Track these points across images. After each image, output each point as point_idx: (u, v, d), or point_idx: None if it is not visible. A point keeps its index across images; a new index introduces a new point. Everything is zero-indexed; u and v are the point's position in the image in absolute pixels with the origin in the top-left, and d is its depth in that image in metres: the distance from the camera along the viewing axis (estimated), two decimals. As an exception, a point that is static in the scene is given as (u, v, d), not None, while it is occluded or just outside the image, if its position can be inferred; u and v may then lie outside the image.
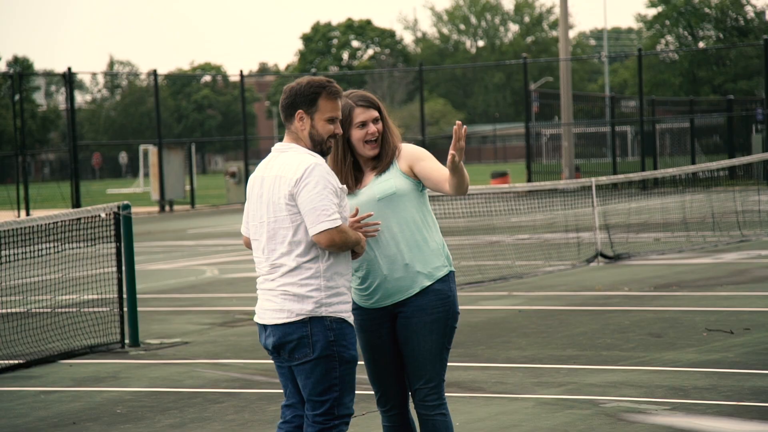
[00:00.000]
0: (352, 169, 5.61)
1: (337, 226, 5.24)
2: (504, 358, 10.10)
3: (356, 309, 5.66)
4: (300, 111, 5.40)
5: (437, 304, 5.58)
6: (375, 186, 5.57)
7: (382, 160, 5.59)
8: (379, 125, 5.59)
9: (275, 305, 5.36)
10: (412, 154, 5.64)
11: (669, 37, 65.66)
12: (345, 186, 5.42)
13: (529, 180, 37.31)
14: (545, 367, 9.64)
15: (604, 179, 19.17)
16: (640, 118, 39.26)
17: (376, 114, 5.58)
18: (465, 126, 5.36)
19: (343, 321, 5.34)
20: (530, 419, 7.89)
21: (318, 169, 5.28)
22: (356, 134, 5.57)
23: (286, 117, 5.44)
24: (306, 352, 5.31)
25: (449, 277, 5.63)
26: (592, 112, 51.74)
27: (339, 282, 5.34)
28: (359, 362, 5.47)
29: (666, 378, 8.98)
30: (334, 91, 5.39)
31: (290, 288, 5.33)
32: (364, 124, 5.56)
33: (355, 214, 5.43)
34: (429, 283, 5.57)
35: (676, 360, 9.65)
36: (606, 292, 13.98)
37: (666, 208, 23.74)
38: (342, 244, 5.27)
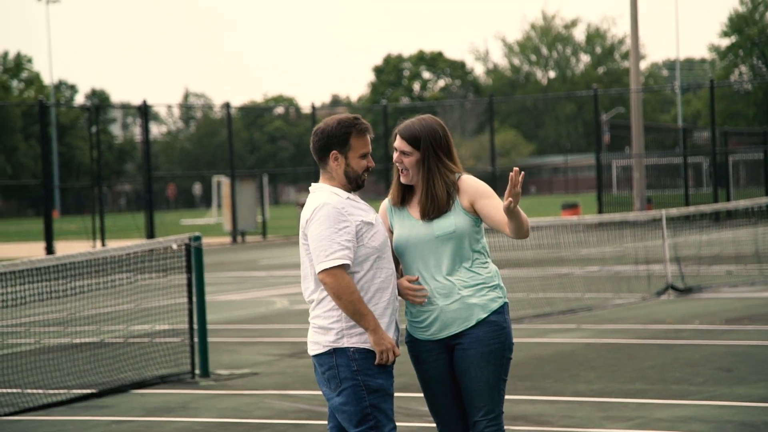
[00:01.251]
0: (399, 187, 5.69)
1: (332, 267, 5.36)
2: (572, 391, 10.07)
3: (412, 341, 5.73)
4: (334, 152, 5.53)
5: (493, 336, 5.61)
6: (434, 222, 5.61)
7: (425, 207, 5.60)
8: (409, 160, 5.61)
9: (311, 337, 5.58)
10: (475, 190, 5.63)
11: (743, 67, 65.07)
12: (376, 215, 5.53)
13: (600, 211, 37.10)
14: (613, 401, 9.59)
15: (674, 211, 19.04)
16: (712, 150, 38.91)
17: (407, 148, 5.60)
18: (522, 172, 5.38)
19: (367, 351, 5.45)
20: (597, 454, 7.85)
21: (325, 209, 5.43)
22: (395, 156, 5.67)
23: (320, 158, 5.57)
24: (336, 382, 5.46)
25: (504, 308, 5.67)
26: (664, 143, 51.38)
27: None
28: (416, 394, 5.51)
29: (736, 413, 8.89)
30: (364, 128, 5.54)
31: (317, 320, 5.53)
32: (395, 150, 5.64)
33: (415, 281, 5.55)
34: (485, 315, 5.60)
35: (746, 395, 9.55)
36: (676, 326, 13.87)
37: (738, 240, 23.48)
38: (332, 290, 5.39)
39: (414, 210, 5.67)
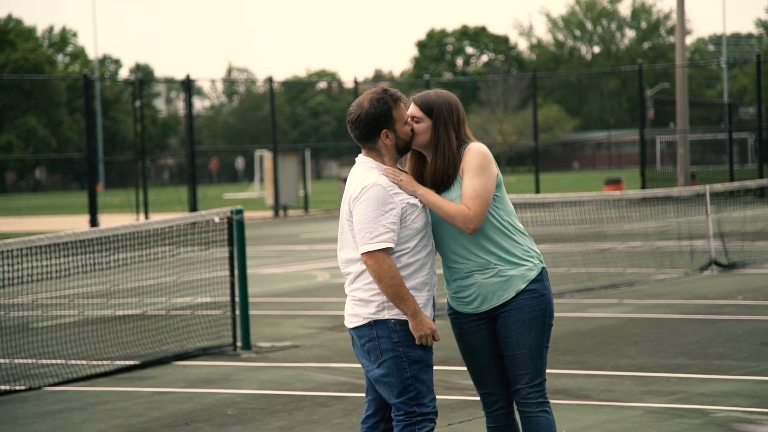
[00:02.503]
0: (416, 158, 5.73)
1: (375, 250, 5.38)
2: (612, 365, 10.04)
3: (454, 314, 5.75)
4: (384, 130, 5.53)
5: (533, 303, 5.64)
6: (444, 196, 5.64)
7: (435, 176, 5.62)
8: (419, 126, 5.64)
9: (349, 310, 5.59)
10: (465, 161, 5.62)
11: (790, 42, 64.34)
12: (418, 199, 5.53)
13: (643, 187, 36.89)
14: (654, 375, 9.55)
15: (718, 186, 18.90)
16: (758, 125, 38.54)
17: (418, 113, 5.65)
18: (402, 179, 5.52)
19: (408, 322, 5.47)
20: (638, 428, 7.84)
21: (374, 190, 5.43)
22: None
23: (368, 140, 5.55)
24: (377, 354, 5.48)
25: (542, 275, 5.69)
26: (709, 118, 50.91)
27: (406, 284, 5.46)
28: (456, 367, 5.52)
29: (778, 389, 8.84)
30: (398, 97, 5.58)
31: (357, 293, 5.53)
32: (411, 117, 5.68)
33: None
34: (524, 286, 5.63)
35: (789, 371, 9.49)
36: (719, 301, 13.79)
37: (783, 216, 23.29)
38: (374, 272, 5.41)
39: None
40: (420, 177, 5.70)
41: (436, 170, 5.63)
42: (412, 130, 5.60)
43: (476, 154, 5.59)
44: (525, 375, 5.66)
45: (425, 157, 5.70)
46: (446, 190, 5.62)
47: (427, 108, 5.67)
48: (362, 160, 5.59)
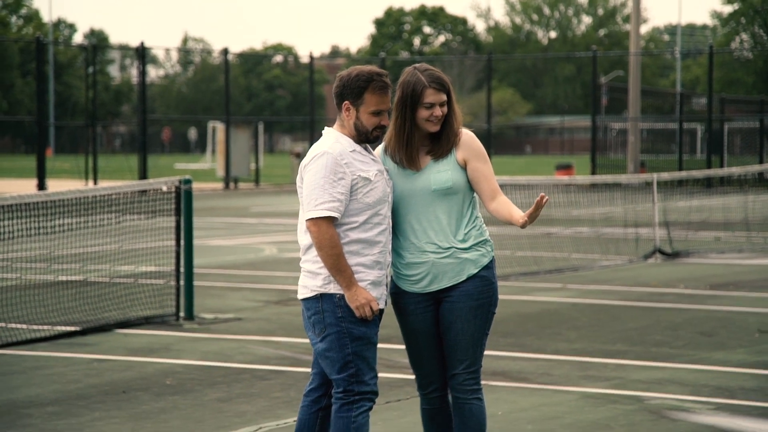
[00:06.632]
0: (414, 145, 5.62)
1: (318, 217, 5.37)
2: (552, 349, 10.13)
3: (399, 293, 5.73)
4: (347, 102, 5.49)
5: (482, 291, 5.64)
6: (432, 175, 5.58)
7: (441, 145, 5.60)
8: (445, 108, 5.60)
9: (300, 281, 5.59)
10: (471, 147, 5.62)
11: (744, 35, 64.86)
12: (379, 171, 5.50)
13: (593, 173, 37.12)
14: (593, 360, 9.65)
15: (666, 175, 19.06)
16: (708, 116, 38.88)
17: (444, 98, 5.58)
18: (547, 197, 5.38)
19: None
20: (573, 412, 7.92)
21: (325, 158, 5.40)
22: (422, 113, 5.59)
23: (336, 104, 5.55)
24: (321, 328, 5.47)
25: (492, 263, 5.71)
26: (662, 108, 51.29)
27: (354, 260, 5.44)
28: (398, 346, 5.54)
29: (713, 377, 8.96)
30: (382, 86, 5.46)
31: (306, 265, 5.53)
32: (431, 105, 5.57)
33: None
34: (476, 271, 5.63)
35: (725, 360, 9.62)
36: (661, 289, 13.94)
37: (728, 207, 23.53)
38: (315, 239, 5.40)
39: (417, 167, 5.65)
40: (410, 137, 5.61)
41: (444, 142, 5.58)
42: (381, 126, 5.47)
43: (476, 139, 5.65)
44: (463, 361, 5.67)
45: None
46: (435, 162, 5.60)
47: (447, 88, 5.60)
48: (326, 130, 5.58)
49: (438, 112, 5.56)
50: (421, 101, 5.55)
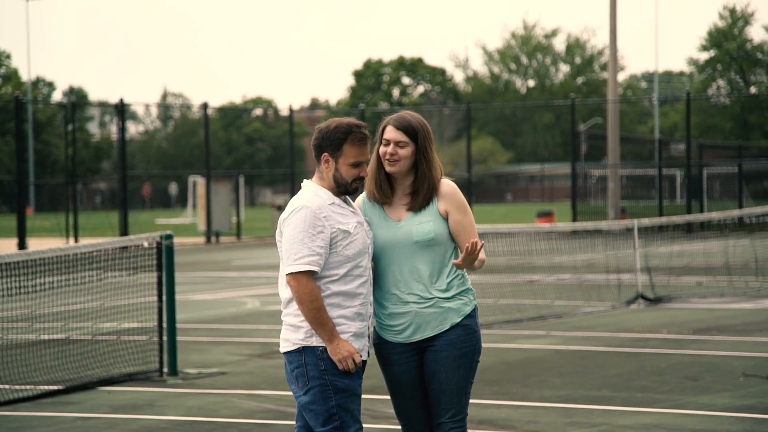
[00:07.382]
0: (386, 180, 5.64)
1: (297, 272, 5.38)
2: (538, 397, 10.11)
3: (382, 343, 5.74)
4: (326, 154, 5.52)
5: (465, 339, 5.65)
6: (414, 226, 5.60)
7: (417, 199, 5.62)
8: (406, 151, 5.60)
9: (282, 335, 5.60)
10: (453, 199, 5.65)
11: (720, 82, 65.40)
12: (359, 223, 5.51)
13: (574, 220, 37.21)
14: (579, 407, 9.64)
15: (646, 221, 19.13)
16: (687, 162, 39.09)
17: (404, 138, 5.58)
18: (482, 243, 5.45)
19: None
20: (560, 459, 7.89)
21: (303, 212, 5.42)
22: (381, 149, 5.63)
23: (317, 158, 5.57)
24: (304, 381, 5.47)
25: (475, 312, 5.72)
26: (641, 154, 51.56)
27: (335, 312, 5.45)
28: (382, 396, 5.53)
29: (700, 422, 8.95)
30: (361, 137, 5.49)
31: (287, 318, 5.54)
32: (387, 143, 5.59)
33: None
34: (459, 320, 5.64)
35: (710, 404, 9.62)
36: (645, 335, 13.95)
37: (709, 252, 23.61)
38: (295, 293, 5.42)
39: (392, 210, 5.66)
40: (385, 186, 5.63)
41: (421, 195, 5.59)
42: (360, 177, 5.50)
43: (458, 191, 5.66)
44: (449, 410, 5.67)
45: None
46: (416, 213, 5.62)
47: (412, 132, 5.59)
48: (305, 183, 5.59)
49: (392, 149, 5.56)
50: (380, 137, 5.59)
